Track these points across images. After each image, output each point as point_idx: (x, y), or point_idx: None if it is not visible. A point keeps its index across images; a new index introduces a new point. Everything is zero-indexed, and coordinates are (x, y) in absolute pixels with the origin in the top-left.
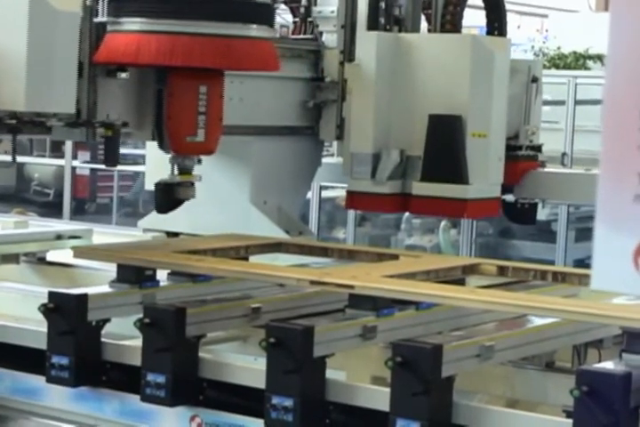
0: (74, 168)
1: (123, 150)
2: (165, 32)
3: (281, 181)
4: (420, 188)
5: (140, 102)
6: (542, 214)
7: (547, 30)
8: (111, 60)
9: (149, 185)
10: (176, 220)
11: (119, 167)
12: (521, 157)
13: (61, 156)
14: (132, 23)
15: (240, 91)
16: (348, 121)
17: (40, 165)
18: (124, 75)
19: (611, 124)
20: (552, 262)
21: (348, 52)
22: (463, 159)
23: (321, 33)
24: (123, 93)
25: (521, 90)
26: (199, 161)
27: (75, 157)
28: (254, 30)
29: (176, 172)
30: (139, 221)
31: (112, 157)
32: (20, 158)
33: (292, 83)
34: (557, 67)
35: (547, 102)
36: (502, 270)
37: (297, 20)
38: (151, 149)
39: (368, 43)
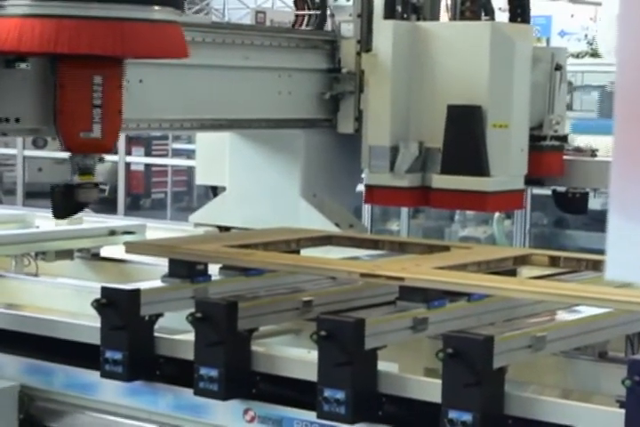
0: (128, 164)
1: (176, 145)
2: (50, 15)
3: (330, 173)
4: (440, 181)
5: (46, 96)
6: (597, 204)
7: (600, 19)
8: None
9: (200, 180)
10: (227, 214)
11: (172, 162)
12: (545, 147)
13: (115, 151)
14: (15, 6)
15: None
16: (365, 113)
17: None
18: (23, 65)
19: (623, 113)
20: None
21: (365, 42)
22: (484, 151)
23: (338, 23)
24: (23, 86)
25: (544, 78)
26: (101, 159)
27: (129, 152)
28: (156, 12)
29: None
30: (190, 216)
31: None
32: None
33: (308, 74)
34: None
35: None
36: (554, 261)
37: (300, 12)
38: (201, 144)
39: (385, 32)
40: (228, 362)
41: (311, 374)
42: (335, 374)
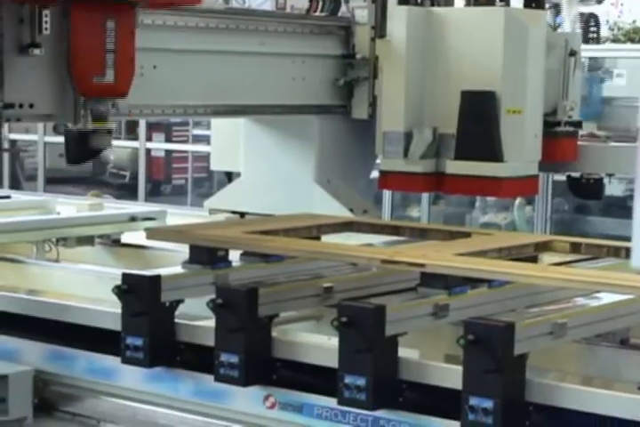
0: (149, 150)
1: (196, 131)
2: None
3: (344, 159)
4: (454, 166)
5: (59, 81)
6: (618, 190)
7: (622, 4)
8: None
9: (215, 166)
10: (241, 200)
11: (193, 148)
12: (559, 133)
13: (136, 138)
14: None
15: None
16: (379, 99)
17: (115, 147)
18: (37, 51)
19: None
20: (629, 239)
21: (379, 28)
22: (497, 136)
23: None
24: (37, 72)
25: (558, 64)
26: (113, 105)
27: (149, 138)
28: None
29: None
30: (205, 202)
31: None
32: None
33: (323, 60)
34: (633, 41)
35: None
36: (575, 247)
37: None
38: (216, 130)
39: (399, 17)
40: (248, 348)
41: (332, 361)
42: (356, 361)
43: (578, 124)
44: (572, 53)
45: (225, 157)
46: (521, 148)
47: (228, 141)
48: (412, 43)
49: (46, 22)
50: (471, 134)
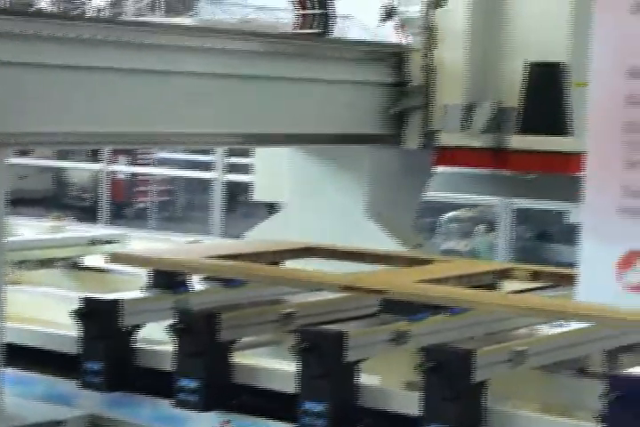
0: (112, 172)
1: (161, 154)
2: None
3: (395, 191)
4: (520, 141)
5: None
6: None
7: None
8: None
9: (258, 196)
10: (285, 232)
11: (157, 171)
12: None
13: (99, 160)
14: None
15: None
16: (439, 70)
17: (78, 170)
18: None
19: (595, 140)
20: None
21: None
22: (567, 109)
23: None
24: None
25: None
26: None
27: (114, 161)
28: None
29: None
30: (246, 233)
31: None
32: (58, 163)
33: (373, 88)
34: None
35: None
36: (535, 275)
37: (305, 12)
38: (260, 158)
39: None
40: (208, 373)
41: (292, 387)
42: (315, 387)
43: None
44: None
45: (268, 187)
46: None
47: (272, 170)
48: (472, 10)
49: None
50: (539, 107)
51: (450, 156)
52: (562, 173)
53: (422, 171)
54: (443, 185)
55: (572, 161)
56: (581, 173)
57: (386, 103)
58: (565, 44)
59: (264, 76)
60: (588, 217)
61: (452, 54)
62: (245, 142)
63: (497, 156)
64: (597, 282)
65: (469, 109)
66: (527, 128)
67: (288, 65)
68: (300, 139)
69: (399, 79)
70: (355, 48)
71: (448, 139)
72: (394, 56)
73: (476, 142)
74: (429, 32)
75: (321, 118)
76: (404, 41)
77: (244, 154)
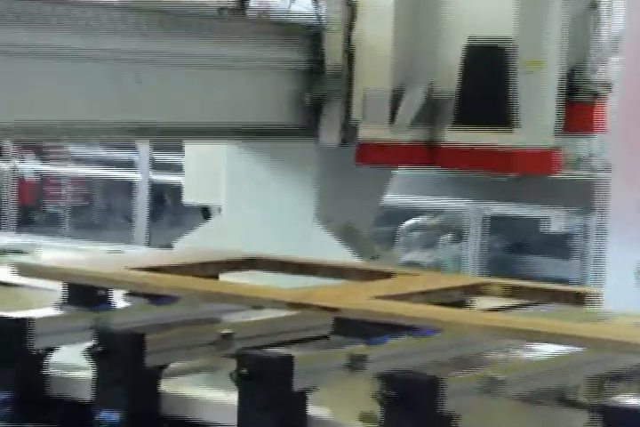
0: (15, 170)
1: (78, 151)
2: None
3: (348, 194)
4: (454, 135)
5: None
6: (557, 227)
7: None
8: None
9: (188, 198)
10: (221, 241)
11: (71, 170)
12: (580, 97)
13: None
14: None
15: None
16: (361, 50)
17: None
18: None
19: (625, 142)
20: (567, 281)
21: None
22: (511, 97)
23: None
24: None
25: (578, 18)
26: None
27: (20, 158)
28: None
29: None
30: (176, 241)
31: None
32: None
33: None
34: None
35: None
36: (508, 291)
37: None
38: (191, 156)
39: None
40: (132, 404)
41: (230, 419)
42: (258, 420)
43: (607, 86)
44: (594, 5)
45: (202, 189)
46: (539, 112)
47: (206, 170)
48: None
49: None
50: (477, 95)
51: (373, 152)
52: (505, 174)
53: (380, 171)
54: (404, 188)
55: (516, 158)
56: (528, 173)
57: (299, 90)
58: (513, 17)
59: (147, 60)
60: (613, 222)
61: (377, 32)
62: (122, 134)
63: (429, 152)
64: (622, 289)
65: (397, 97)
66: (465, 119)
67: (179, 43)
68: (188, 132)
69: (314, 61)
70: (262, 25)
71: (371, 133)
72: (308, 34)
73: (405, 137)
74: (349, 5)
75: (219, 108)
76: (320, 16)
77: (174, 149)
